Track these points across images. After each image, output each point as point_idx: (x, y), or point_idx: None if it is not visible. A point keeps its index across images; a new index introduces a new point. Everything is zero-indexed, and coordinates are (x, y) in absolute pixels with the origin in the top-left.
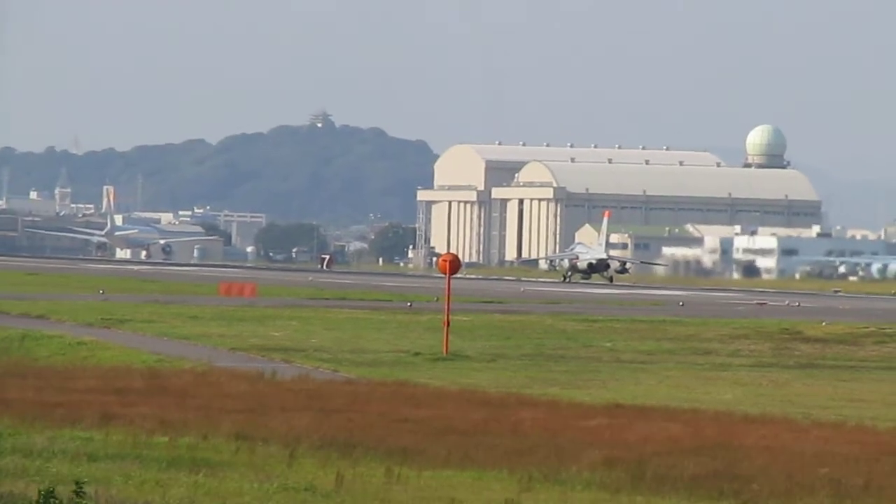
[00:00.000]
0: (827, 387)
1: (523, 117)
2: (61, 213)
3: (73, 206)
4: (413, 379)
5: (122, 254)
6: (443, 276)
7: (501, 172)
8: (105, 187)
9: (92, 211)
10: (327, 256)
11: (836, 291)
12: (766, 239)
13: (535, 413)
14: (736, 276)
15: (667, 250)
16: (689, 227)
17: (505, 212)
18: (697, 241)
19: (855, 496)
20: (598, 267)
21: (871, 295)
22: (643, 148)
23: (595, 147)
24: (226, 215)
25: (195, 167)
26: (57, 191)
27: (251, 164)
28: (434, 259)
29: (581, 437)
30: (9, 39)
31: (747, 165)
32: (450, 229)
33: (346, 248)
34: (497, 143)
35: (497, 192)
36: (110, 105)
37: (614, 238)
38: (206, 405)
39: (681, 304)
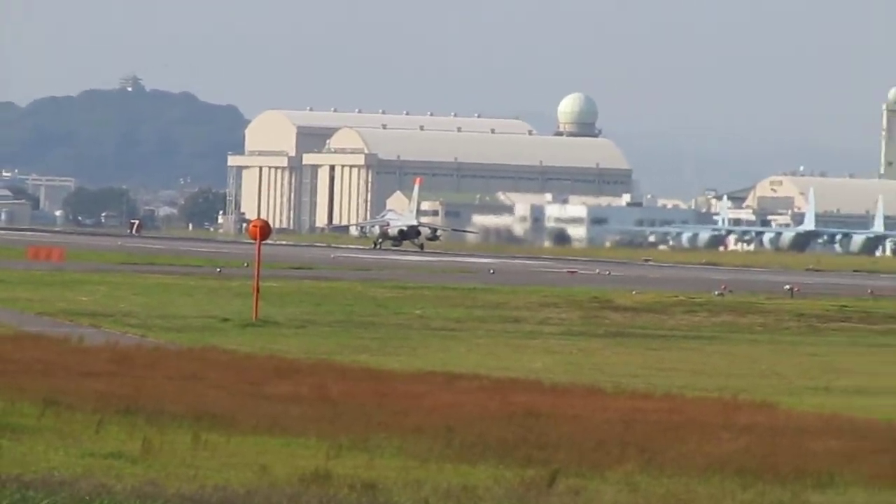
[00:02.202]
0: (637, 355)
1: (335, 83)
2: None
3: None
4: (222, 344)
5: None
6: (253, 241)
7: (313, 138)
8: None
9: None
10: (137, 221)
11: (647, 260)
12: (577, 207)
13: (344, 380)
14: (547, 244)
15: (478, 218)
16: (501, 195)
17: (316, 178)
18: (508, 209)
19: (664, 464)
20: (409, 234)
21: (681, 264)
22: (455, 115)
23: (407, 114)
24: (34, 179)
25: (3, 130)
26: None
27: (60, 127)
28: (244, 225)
29: (390, 404)
30: None
31: (559, 134)
32: (260, 195)
33: (156, 213)
34: (308, 108)
35: (308, 159)
36: None
37: (425, 205)
38: (13, 370)
39: (491, 271)
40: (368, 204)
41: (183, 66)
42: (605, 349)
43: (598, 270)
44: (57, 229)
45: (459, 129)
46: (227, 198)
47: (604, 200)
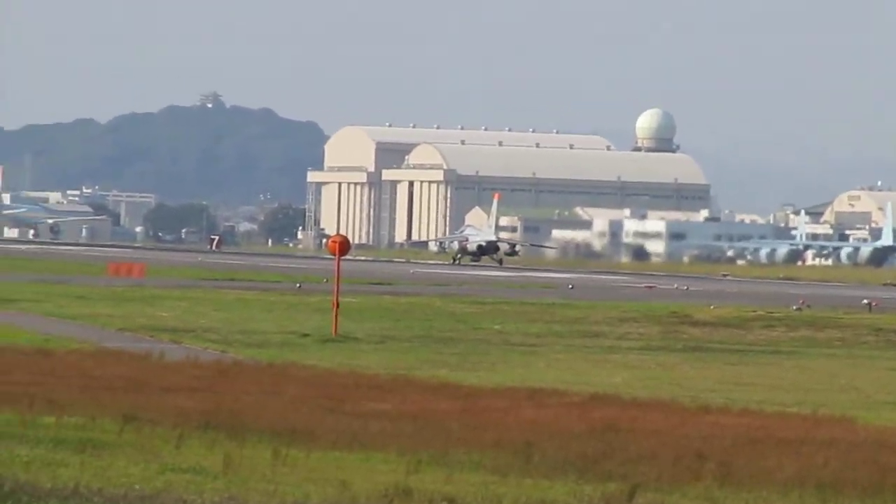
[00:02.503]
0: (715, 370)
1: (414, 99)
2: None
3: None
4: (301, 360)
5: (10, 233)
6: (332, 257)
7: (392, 154)
8: None
9: None
10: (217, 237)
11: (725, 275)
12: (655, 223)
13: (426, 395)
14: (625, 259)
15: (556, 233)
16: (579, 210)
17: (395, 193)
18: (587, 225)
19: (742, 479)
20: (488, 249)
21: (759, 279)
22: (533, 131)
23: (485, 129)
24: (114, 195)
25: (84, 146)
26: None
27: (141, 143)
28: (324, 240)
29: (470, 420)
30: None
31: (637, 149)
32: (340, 211)
33: (236, 229)
34: (387, 124)
35: (387, 174)
36: None
37: (504, 221)
38: (94, 386)
39: (570, 286)
40: (447, 219)
41: (263, 81)
42: (684, 364)
43: (676, 285)
44: (137, 245)
45: (538, 145)
46: (307, 213)
47: (682, 215)
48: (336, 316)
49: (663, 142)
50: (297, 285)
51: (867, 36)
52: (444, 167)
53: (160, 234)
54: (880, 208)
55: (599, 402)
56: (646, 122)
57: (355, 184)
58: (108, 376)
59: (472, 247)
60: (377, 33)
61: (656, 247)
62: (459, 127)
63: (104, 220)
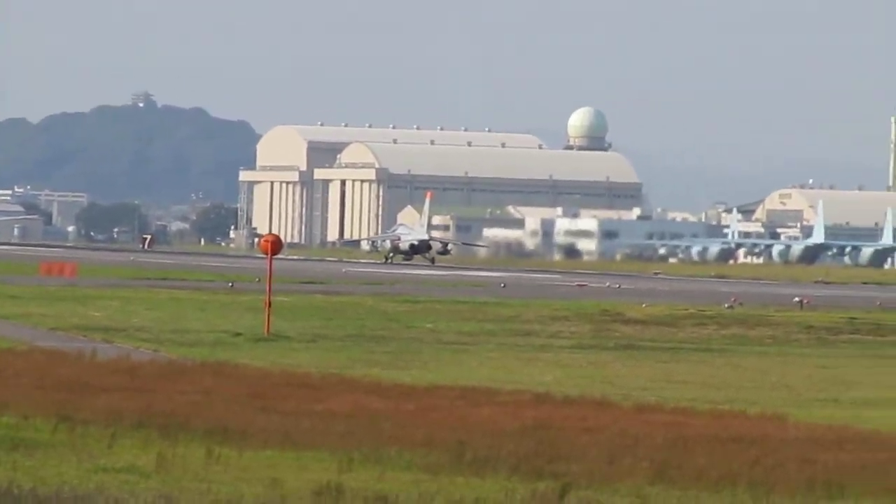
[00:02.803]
0: (647, 368)
1: (345, 98)
2: None
3: None
4: (234, 359)
5: None
6: (264, 256)
7: (323, 153)
8: None
9: None
10: (149, 236)
11: (657, 273)
12: (587, 221)
13: (356, 394)
14: (557, 257)
15: (488, 232)
16: (511, 209)
17: (327, 192)
18: (519, 223)
19: (674, 477)
20: (420, 248)
21: (691, 277)
22: (465, 129)
23: (417, 128)
24: (46, 195)
25: (16, 146)
26: None
27: (72, 143)
28: (256, 240)
29: (401, 418)
30: None
31: (569, 147)
32: (272, 210)
33: (168, 229)
34: (319, 123)
35: (319, 173)
36: None
37: (436, 219)
38: (26, 385)
39: (502, 285)
40: (379, 218)
41: (194, 81)
42: (616, 362)
43: (608, 284)
44: (69, 245)
45: (470, 144)
46: (239, 213)
47: (614, 214)
48: (268, 315)
49: (595, 140)
50: (230, 284)
51: (799, 35)
52: (376, 166)
53: (92, 233)
54: (811, 206)
55: (530, 399)
56: (577, 121)
57: (287, 183)
58: (40, 376)
59: (404, 246)
60: (307, 32)
61: (588, 245)
62: (391, 126)
63: (36, 219)
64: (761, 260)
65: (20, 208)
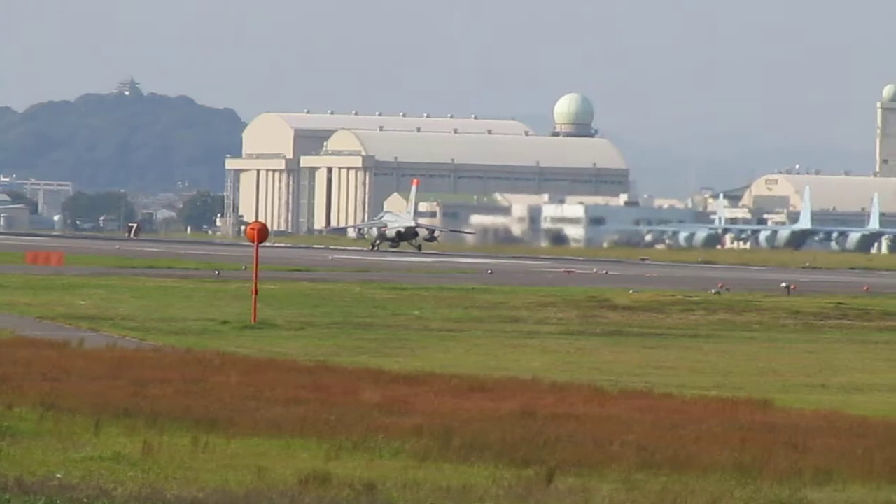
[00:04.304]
0: (634, 354)
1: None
2: None
3: None
4: (221, 347)
5: None
6: (251, 244)
7: (310, 141)
8: None
9: None
10: (135, 225)
11: (644, 259)
12: (574, 207)
13: (343, 381)
14: (544, 244)
15: (475, 218)
16: (498, 196)
17: (313, 180)
18: (506, 210)
19: (662, 462)
20: (407, 235)
21: (678, 263)
22: (452, 116)
23: (404, 115)
24: (32, 184)
25: (1, 135)
26: None
27: (58, 132)
28: (242, 227)
29: (389, 405)
30: None
31: (555, 134)
32: (258, 198)
33: (154, 217)
34: (305, 111)
35: (305, 161)
36: None
37: (423, 206)
38: (12, 374)
39: (489, 272)
40: (366, 206)
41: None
42: (603, 348)
43: (595, 270)
44: (55, 233)
45: (456, 131)
46: (225, 201)
47: (601, 200)
48: (255, 303)
49: (581, 126)
50: (216, 272)
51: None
52: (363, 153)
53: (78, 222)
54: (798, 191)
55: (518, 386)
56: (564, 107)
57: (273, 171)
58: (25, 364)
59: (390, 233)
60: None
61: (575, 232)
62: (377, 113)
63: (22, 208)
64: (748, 245)
65: (6, 197)
